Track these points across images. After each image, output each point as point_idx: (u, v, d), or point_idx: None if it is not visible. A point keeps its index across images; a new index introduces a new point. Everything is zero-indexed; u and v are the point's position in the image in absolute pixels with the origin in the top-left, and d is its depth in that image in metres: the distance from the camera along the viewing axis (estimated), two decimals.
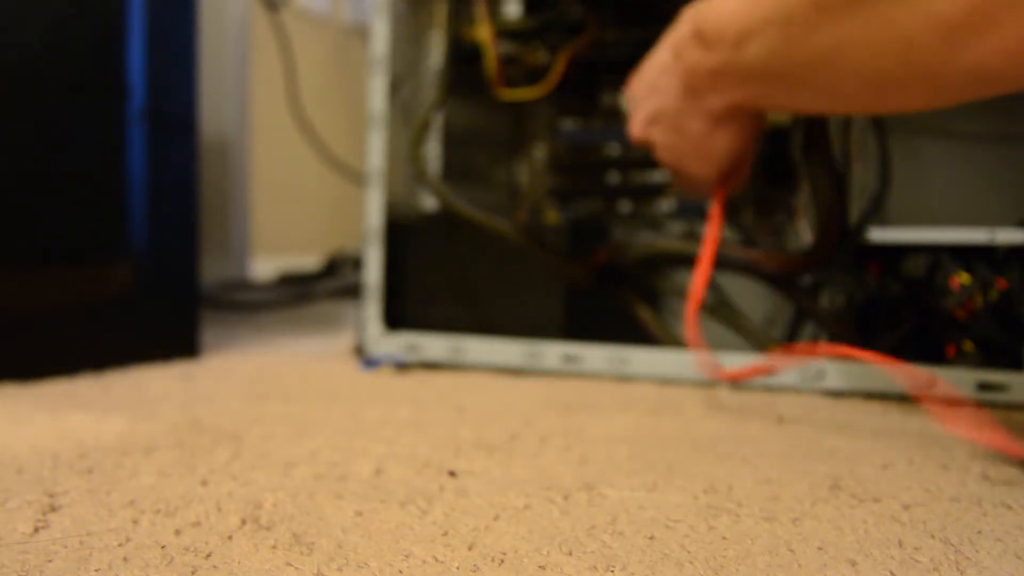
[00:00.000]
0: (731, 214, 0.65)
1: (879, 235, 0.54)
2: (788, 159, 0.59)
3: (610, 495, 0.33)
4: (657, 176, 0.68)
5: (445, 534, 0.29)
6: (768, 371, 0.52)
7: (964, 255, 0.51)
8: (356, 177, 1.10)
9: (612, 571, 0.26)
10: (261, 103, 1.26)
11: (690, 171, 0.50)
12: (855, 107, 0.47)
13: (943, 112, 0.60)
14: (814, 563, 0.26)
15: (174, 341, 0.64)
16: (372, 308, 0.64)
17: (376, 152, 0.64)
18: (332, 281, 1.22)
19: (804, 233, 0.59)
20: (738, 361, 0.55)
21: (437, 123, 0.72)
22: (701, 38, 0.44)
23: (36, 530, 0.29)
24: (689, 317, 0.50)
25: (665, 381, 0.57)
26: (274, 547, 0.27)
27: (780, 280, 0.58)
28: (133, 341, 0.61)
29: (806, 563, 0.26)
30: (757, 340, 0.58)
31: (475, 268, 0.65)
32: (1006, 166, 0.59)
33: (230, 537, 0.28)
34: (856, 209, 0.56)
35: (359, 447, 0.40)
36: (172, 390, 0.53)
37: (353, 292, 1.03)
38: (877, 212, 0.57)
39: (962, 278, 0.51)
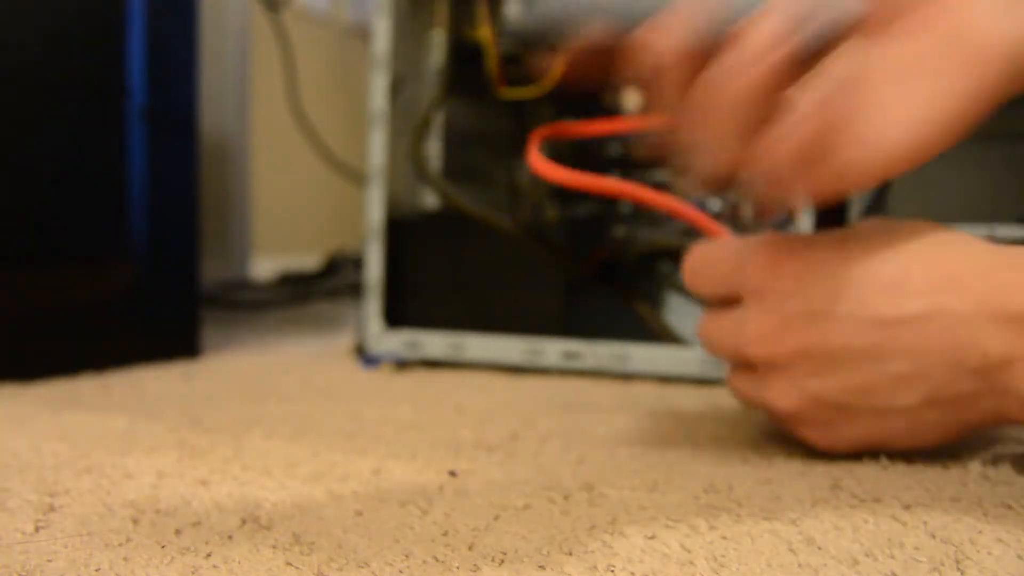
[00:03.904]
0: (731, 212, 0.65)
1: None
2: None
3: (610, 495, 0.33)
4: (657, 176, 0.67)
5: (445, 534, 0.29)
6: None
7: None
8: (356, 177, 1.10)
9: (612, 571, 0.26)
10: (261, 103, 1.26)
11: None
12: None
13: None
14: (814, 563, 0.26)
15: (174, 341, 0.64)
16: (372, 306, 0.64)
17: (377, 150, 0.64)
18: (332, 281, 1.22)
19: (804, 232, 0.59)
20: None
21: (438, 122, 0.72)
22: None
23: (36, 530, 0.29)
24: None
25: (665, 379, 0.57)
26: (274, 547, 0.27)
27: None
28: (133, 341, 0.61)
29: (806, 563, 0.26)
30: None
31: (476, 266, 0.65)
32: (1006, 163, 0.59)
33: (230, 537, 0.28)
34: (856, 207, 0.55)
35: (359, 447, 0.40)
36: (172, 390, 0.53)
37: (353, 292, 1.03)
38: (877, 210, 0.57)
39: None
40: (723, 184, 0.35)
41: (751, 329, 0.37)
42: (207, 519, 0.30)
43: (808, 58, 0.32)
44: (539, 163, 0.51)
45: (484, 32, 0.65)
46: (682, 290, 0.64)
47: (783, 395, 0.37)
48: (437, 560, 0.26)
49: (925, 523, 0.30)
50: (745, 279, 0.37)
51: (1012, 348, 0.33)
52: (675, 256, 0.63)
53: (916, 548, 0.27)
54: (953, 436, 0.37)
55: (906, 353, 0.34)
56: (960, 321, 0.34)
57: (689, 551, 0.27)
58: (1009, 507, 0.31)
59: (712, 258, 0.40)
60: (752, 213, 0.40)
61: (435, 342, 0.62)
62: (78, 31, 0.57)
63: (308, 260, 1.35)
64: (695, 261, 0.40)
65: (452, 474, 0.36)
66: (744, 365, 0.38)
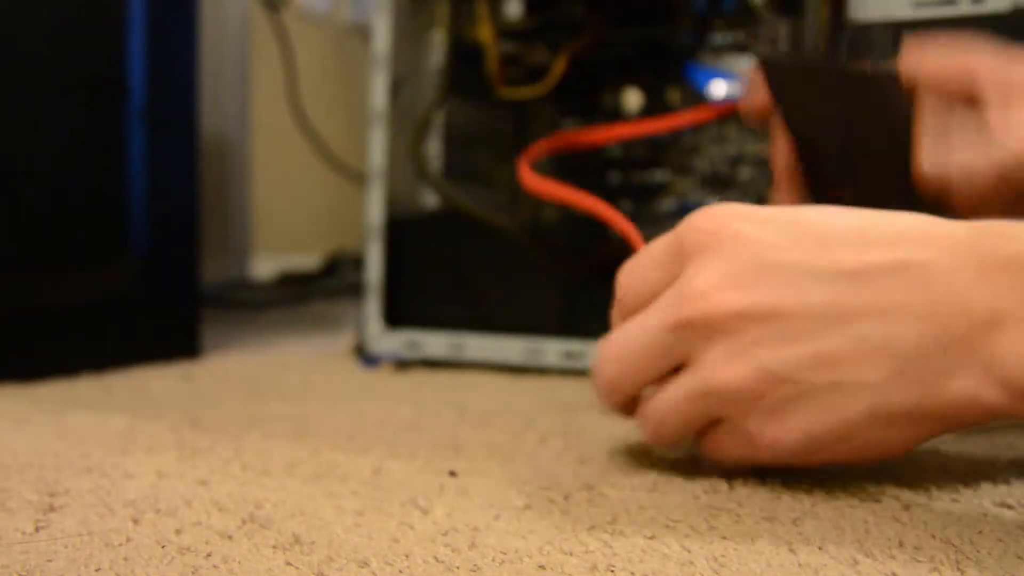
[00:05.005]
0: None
1: None
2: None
3: (610, 495, 0.33)
4: (657, 176, 0.67)
5: (445, 534, 0.29)
6: None
7: None
8: (356, 177, 1.10)
9: (612, 571, 0.26)
10: (261, 103, 1.26)
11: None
12: None
13: None
14: (814, 563, 0.26)
15: (174, 341, 0.64)
16: (373, 305, 0.64)
17: (377, 150, 0.64)
18: (332, 281, 1.22)
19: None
20: None
21: (438, 122, 0.72)
22: None
23: (36, 530, 0.29)
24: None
25: None
26: (274, 547, 0.27)
27: None
28: (133, 341, 0.61)
29: (806, 563, 0.26)
30: None
31: (476, 266, 0.65)
32: None
33: (230, 537, 0.28)
34: None
35: (359, 447, 0.40)
36: (172, 390, 0.53)
37: (353, 292, 1.03)
38: None
39: None
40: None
41: (689, 287, 0.30)
42: (207, 519, 0.30)
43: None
44: (529, 177, 0.51)
45: (484, 32, 0.65)
46: None
47: (727, 366, 0.30)
48: (437, 560, 0.26)
49: (925, 523, 0.30)
50: (684, 249, 0.31)
51: (1001, 302, 0.27)
52: None
53: (916, 548, 0.27)
54: (917, 433, 0.30)
55: (873, 311, 0.29)
56: (937, 273, 0.28)
57: (689, 551, 0.27)
58: (1009, 507, 0.31)
59: (643, 259, 0.34)
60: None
61: (435, 342, 0.62)
62: (78, 31, 0.57)
63: (308, 260, 1.34)
64: (624, 272, 0.35)
65: (452, 474, 0.36)
66: (668, 363, 0.32)
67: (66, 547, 0.27)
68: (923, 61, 0.37)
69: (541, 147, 0.54)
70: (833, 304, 0.29)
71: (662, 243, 0.33)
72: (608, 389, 0.35)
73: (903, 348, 0.28)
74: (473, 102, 0.73)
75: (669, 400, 0.33)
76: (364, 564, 0.26)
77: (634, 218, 0.69)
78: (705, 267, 0.30)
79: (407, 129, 0.67)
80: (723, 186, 0.65)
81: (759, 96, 0.39)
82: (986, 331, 0.27)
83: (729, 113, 0.54)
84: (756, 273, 0.29)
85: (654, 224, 0.67)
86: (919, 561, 0.26)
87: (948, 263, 0.28)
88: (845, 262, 0.29)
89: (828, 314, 0.29)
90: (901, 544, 0.28)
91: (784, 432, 0.31)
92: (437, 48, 0.70)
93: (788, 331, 0.29)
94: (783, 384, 0.29)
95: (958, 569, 0.26)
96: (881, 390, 0.29)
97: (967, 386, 0.28)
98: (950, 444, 0.40)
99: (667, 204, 0.67)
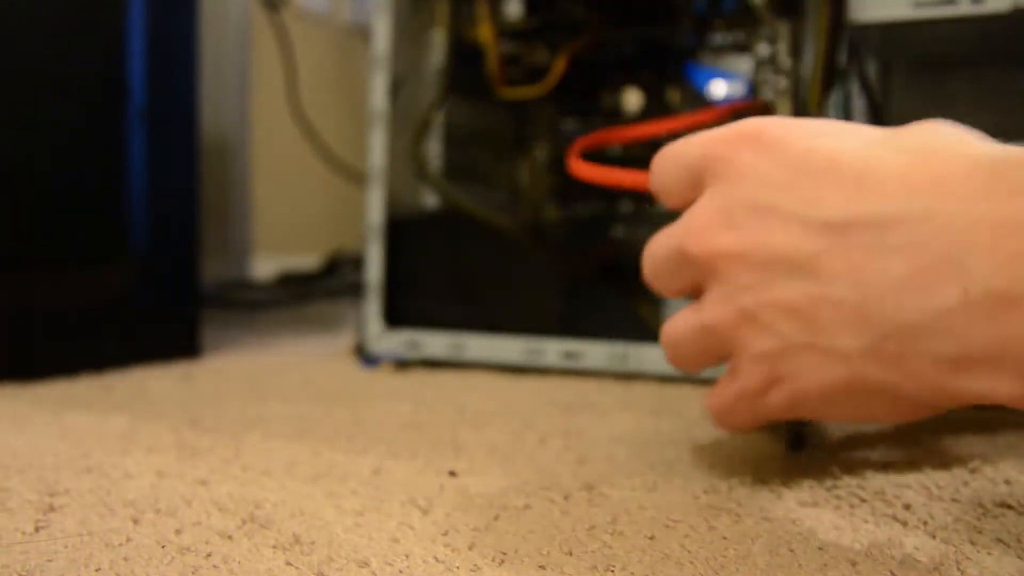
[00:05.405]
0: None
1: None
2: None
3: (610, 495, 0.33)
4: None
5: (445, 534, 0.29)
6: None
7: None
8: (356, 177, 1.10)
9: (612, 571, 0.26)
10: (261, 103, 1.26)
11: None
12: None
13: (941, 106, 0.60)
14: (814, 563, 0.26)
15: (174, 341, 0.64)
16: (373, 305, 0.64)
17: (377, 150, 0.64)
18: (332, 281, 1.22)
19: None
20: None
21: (438, 122, 0.72)
22: None
23: (36, 530, 0.29)
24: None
25: (665, 378, 0.57)
26: (274, 547, 0.27)
27: None
28: (133, 341, 0.61)
29: (806, 563, 0.26)
30: None
31: (476, 266, 0.65)
32: None
33: (230, 537, 0.28)
34: None
35: (359, 447, 0.40)
36: (172, 390, 0.53)
37: (353, 292, 1.03)
38: None
39: None
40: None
41: (694, 219, 0.30)
42: (207, 519, 0.30)
43: None
44: (581, 168, 0.51)
45: (484, 32, 0.65)
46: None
47: (721, 305, 0.29)
48: (437, 560, 0.26)
49: (925, 523, 0.30)
50: (707, 161, 0.30)
51: (1013, 280, 0.22)
52: None
53: (916, 548, 0.27)
54: (905, 414, 0.29)
55: (849, 275, 0.25)
56: (939, 232, 0.23)
57: (689, 551, 0.27)
58: (1009, 507, 0.31)
59: (679, 147, 0.33)
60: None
61: (435, 342, 0.62)
62: (78, 30, 0.57)
63: (308, 260, 1.34)
64: (661, 156, 0.34)
65: (452, 474, 0.36)
66: (687, 280, 0.32)
67: (66, 547, 0.27)
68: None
69: (587, 141, 0.54)
70: (816, 256, 0.26)
71: (697, 146, 0.32)
72: (651, 286, 0.35)
73: (880, 318, 0.25)
74: (473, 102, 0.73)
75: (681, 326, 0.33)
76: (364, 564, 0.26)
77: (634, 218, 0.69)
78: (709, 200, 0.30)
79: (407, 129, 0.67)
80: None
81: None
82: (991, 314, 0.23)
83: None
84: (749, 213, 0.28)
85: (654, 224, 0.67)
86: (919, 561, 0.26)
87: (951, 217, 0.23)
88: (834, 209, 0.26)
89: (811, 266, 0.26)
90: (901, 544, 0.28)
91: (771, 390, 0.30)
92: (437, 48, 0.70)
93: (769, 277, 0.28)
94: (765, 333, 0.28)
95: (958, 569, 0.26)
96: (856, 363, 0.27)
97: (978, 382, 0.24)
98: (950, 444, 0.41)
99: None
